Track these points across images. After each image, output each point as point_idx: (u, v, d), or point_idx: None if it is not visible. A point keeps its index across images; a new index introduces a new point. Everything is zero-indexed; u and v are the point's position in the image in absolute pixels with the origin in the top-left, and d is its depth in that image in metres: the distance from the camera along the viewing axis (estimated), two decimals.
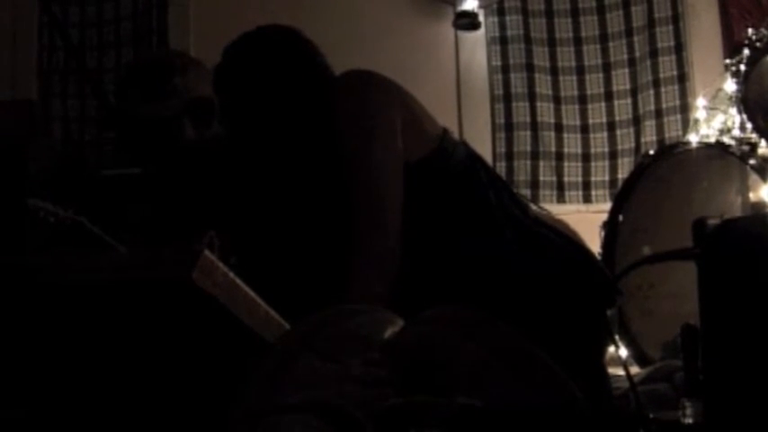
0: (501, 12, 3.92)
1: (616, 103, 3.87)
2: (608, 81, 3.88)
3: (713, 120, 3.18)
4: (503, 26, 3.92)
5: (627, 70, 3.88)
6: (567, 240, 1.64)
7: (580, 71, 3.90)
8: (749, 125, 2.81)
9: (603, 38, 3.91)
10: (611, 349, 1.77)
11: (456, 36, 3.92)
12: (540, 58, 3.91)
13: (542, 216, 1.76)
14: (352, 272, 1.49)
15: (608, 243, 2.72)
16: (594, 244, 2.69)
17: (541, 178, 3.86)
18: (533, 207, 1.85)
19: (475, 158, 1.69)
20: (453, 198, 1.61)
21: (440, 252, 1.58)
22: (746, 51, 2.86)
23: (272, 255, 1.76)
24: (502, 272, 1.55)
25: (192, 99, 1.92)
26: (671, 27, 3.85)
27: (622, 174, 3.71)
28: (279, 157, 1.74)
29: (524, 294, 1.52)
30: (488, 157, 3.77)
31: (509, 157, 3.87)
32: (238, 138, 1.81)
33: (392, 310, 1.13)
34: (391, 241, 1.51)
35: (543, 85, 3.89)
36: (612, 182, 3.80)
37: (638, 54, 3.87)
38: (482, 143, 3.73)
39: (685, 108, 3.75)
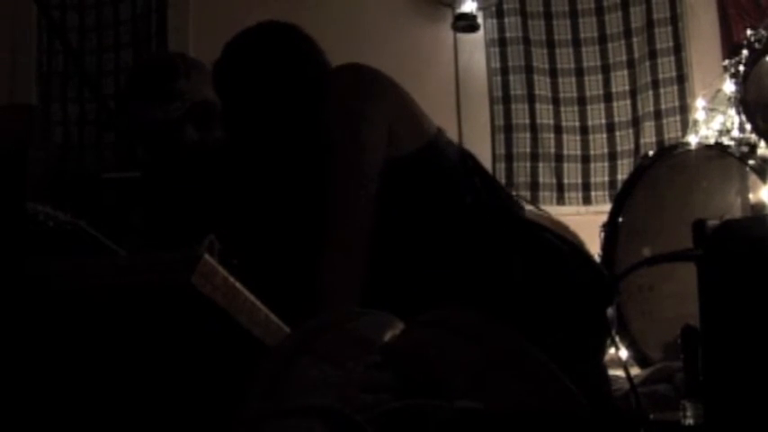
0: (500, 14, 3.93)
1: (615, 104, 3.87)
2: (607, 82, 3.89)
3: (712, 121, 3.18)
4: (501, 28, 3.93)
5: (626, 71, 3.88)
6: (563, 241, 1.64)
7: (579, 73, 3.91)
8: (748, 126, 2.81)
9: (602, 39, 3.91)
10: (612, 350, 1.77)
11: (455, 38, 3.92)
12: (539, 59, 3.91)
13: (539, 217, 1.77)
14: (322, 264, 1.50)
15: (608, 244, 2.72)
16: (594, 245, 2.69)
17: (541, 180, 3.86)
18: (532, 208, 1.85)
19: (468, 158, 1.69)
20: (443, 195, 1.61)
21: (432, 251, 1.58)
22: (745, 52, 2.86)
23: (272, 256, 1.76)
24: (497, 273, 1.55)
25: (196, 102, 1.92)
26: (670, 28, 3.85)
27: (622, 175, 3.71)
28: (277, 154, 1.74)
29: (522, 296, 1.52)
30: (488, 159, 3.78)
31: (508, 158, 3.87)
32: (237, 136, 1.81)
33: (386, 310, 1.12)
34: (360, 236, 1.53)
35: (542, 86, 3.89)
36: (612, 183, 3.81)
37: (636, 55, 3.87)
38: (481, 145, 3.73)
39: (684, 109, 3.76)
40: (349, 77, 1.65)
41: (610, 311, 1.62)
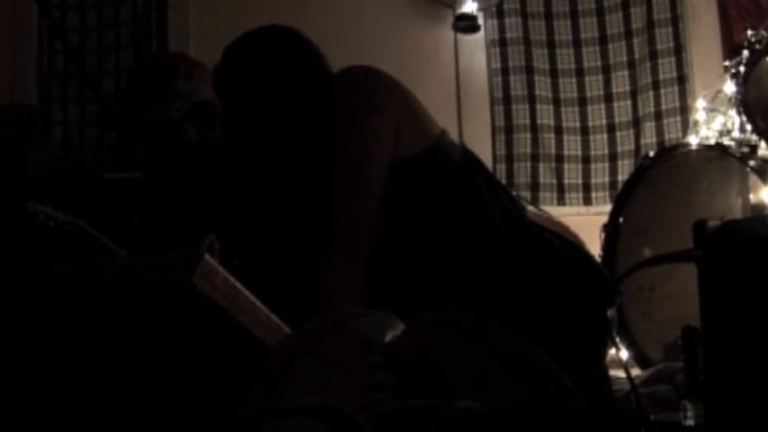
0: (500, 14, 3.92)
1: (616, 104, 3.87)
2: (607, 83, 3.89)
3: (713, 121, 3.18)
4: (502, 28, 3.92)
5: (626, 72, 3.88)
6: (564, 242, 1.65)
7: (580, 73, 3.91)
8: (749, 127, 2.81)
9: (603, 40, 3.91)
10: (612, 351, 1.77)
11: (455, 39, 3.92)
12: (540, 60, 3.91)
13: (540, 218, 1.77)
14: (325, 265, 1.50)
15: (608, 245, 2.72)
16: (595, 246, 2.69)
17: (541, 180, 3.86)
18: (533, 209, 1.85)
19: (472, 159, 1.70)
20: (447, 196, 1.61)
21: (433, 251, 1.59)
22: (746, 53, 2.86)
23: (273, 257, 1.76)
24: (498, 273, 1.55)
25: (196, 102, 1.92)
26: (670, 29, 3.85)
27: (622, 176, 3.71)
28: (276, 157, 1.74)
29: (523, 296, 1.52)
30: (488, 160, 3.78)
31: (509, 159, 3.87)
32: (237, 138, 1.81)
33: (385, 309, 1.13)
34: (364, 237, 1.53)
35: (543, 87, 3.89)
36: (612, 184, 3.81)
37: (637, 56, 3.87)
38: (482, 146, 3.73)
39: (685, 110, 3.76)
40: (355, 79, 1.65)
41: (610, 312, 1.62)
